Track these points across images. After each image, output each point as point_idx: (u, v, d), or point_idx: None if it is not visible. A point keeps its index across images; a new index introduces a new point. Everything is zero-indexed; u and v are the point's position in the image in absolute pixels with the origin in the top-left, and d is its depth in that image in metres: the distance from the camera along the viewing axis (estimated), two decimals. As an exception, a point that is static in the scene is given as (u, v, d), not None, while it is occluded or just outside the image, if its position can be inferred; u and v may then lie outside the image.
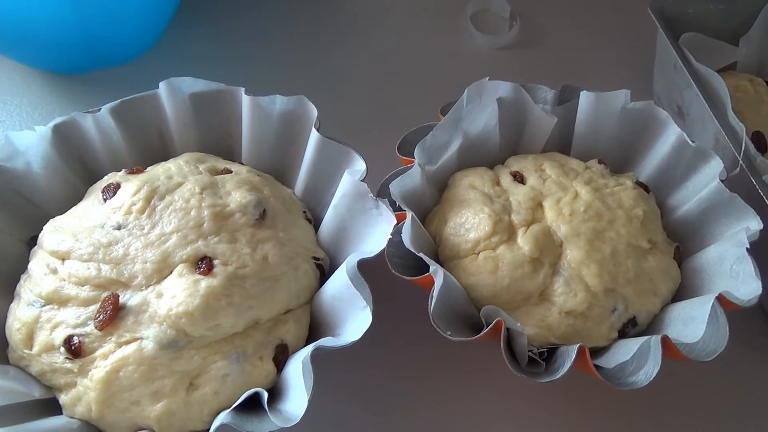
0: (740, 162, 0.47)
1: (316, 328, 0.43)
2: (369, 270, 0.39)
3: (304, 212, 0.47)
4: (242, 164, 0.49)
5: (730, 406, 0.45)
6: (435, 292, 0.39)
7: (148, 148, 0.50)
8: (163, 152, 0.50)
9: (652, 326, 0.43)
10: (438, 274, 0.39)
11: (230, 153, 0.51)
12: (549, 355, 0.41)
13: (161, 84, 0.48)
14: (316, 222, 0.47)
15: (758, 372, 0.47)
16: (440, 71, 0.67)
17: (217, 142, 0.51)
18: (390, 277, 0.41)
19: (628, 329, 0.42)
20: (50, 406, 0.38)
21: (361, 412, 0.44)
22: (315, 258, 0.44)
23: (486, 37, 0.69)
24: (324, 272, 0.45)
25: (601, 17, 0.72)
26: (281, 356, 0.40)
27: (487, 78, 0.48)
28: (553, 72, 0.67)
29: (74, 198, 0.46)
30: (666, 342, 0.37)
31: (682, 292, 0.45)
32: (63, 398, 0.38)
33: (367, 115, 0.62)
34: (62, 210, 0.45)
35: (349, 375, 0.46)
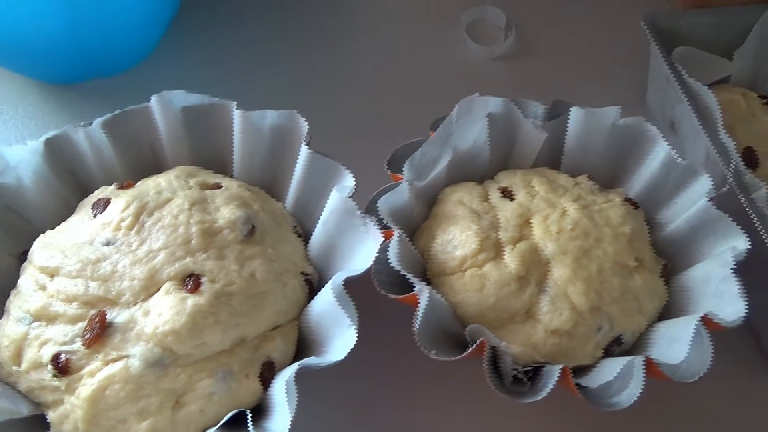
0: (729, 179, 0.47)
1: (304, 345, 0.43)
2: (356, 285, 0.39)
3: (294, 227, 0.47)
4: (234, 178, 0.49)
5: (716, 426, 0.45)
6: (419, 312, 0.39)
7: (140, 162, 0.50)
8: (155, 166, 0.50)
9: (637, 345, 0.43)
10: (423, 293, 0.39)
11: (223, 166, 0.51)
12: (534, 373, 0.41)
13: (153, 98, 0.48)
14: (306, 236, 0.47)
15: (745, 391, 0.47)
16: (434, 81, 0.67)
17: (210, 155, 0.51)
18: (378, 293, 0.42)
19: (614, 348, 0.42)
20: (38, 423, 0.38)
21: (348, 425, 0.45)
22: (304, 273, 0.44)
23: (481, 47, 0.69)
24: (313, 288, 0.45)
25: (596, 29, 0.72)
26: (268, 373, 0.40)
27: (477, 93, 0.49)
28: (548, 83, 0.67)
29: (66, 212, 0.46)
30: (649, 363, 0.37)
31: (670, 310, 0.45)
32: (51, 415, 0.38)
33: (360, 126, 0.62)
34: (54, 224, 0.45)
35: (336, 389, 0.46)
